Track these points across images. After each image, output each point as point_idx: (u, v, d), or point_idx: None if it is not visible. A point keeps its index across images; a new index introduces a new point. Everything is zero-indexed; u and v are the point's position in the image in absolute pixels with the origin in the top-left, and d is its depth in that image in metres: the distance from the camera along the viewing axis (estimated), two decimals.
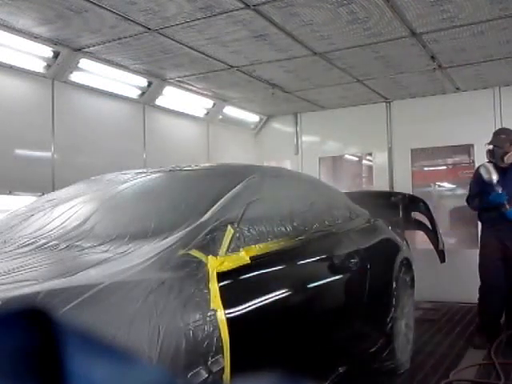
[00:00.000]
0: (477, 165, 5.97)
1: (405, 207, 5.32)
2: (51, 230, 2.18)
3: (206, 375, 1.52)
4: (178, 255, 1.76)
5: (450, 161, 6.90)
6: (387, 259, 3.46)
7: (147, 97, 5.43)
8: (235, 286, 1.87)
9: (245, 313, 1.82)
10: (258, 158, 7.17)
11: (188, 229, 1.93)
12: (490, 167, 4.35)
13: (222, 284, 1.74)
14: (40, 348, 0.32)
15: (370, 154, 6.99)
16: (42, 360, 0.32)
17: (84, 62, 4.57)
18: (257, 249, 2.08)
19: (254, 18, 3.74)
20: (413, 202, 5.39)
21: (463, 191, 6.73)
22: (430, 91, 6.11)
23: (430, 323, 5.02)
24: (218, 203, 2.14)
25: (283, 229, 2.39)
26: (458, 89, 6.00)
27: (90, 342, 0.35)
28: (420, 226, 5.40)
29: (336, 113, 6.86)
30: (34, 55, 4.25)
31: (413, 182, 6.42)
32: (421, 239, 5.85)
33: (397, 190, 6.17)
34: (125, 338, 1.31)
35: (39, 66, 4.36)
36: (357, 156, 7.79)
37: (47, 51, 4.29)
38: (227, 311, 1.68)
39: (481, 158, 5.96)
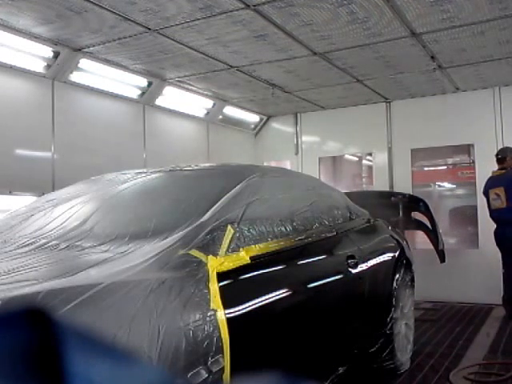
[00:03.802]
0: (477, 165, 6.00)
1: (405, 207, 5.33)
2: (51, 230, 2.18)
3: (206, 375, 1.52)
4: (178, 255, 1.76)
5: (450, 161, 6.90)
6: (387, 259, 3.46)
7: (147, 97, 5.43)
8: (235, 286, 1.87)
9: (245, 313, 1.81)
10: (257, 157, 7.17)
11: (188, 229, 1.93)
12: None
13: (221, 284, 1.74)
14: (40, 348, 0.32)
15: (370, 154, 6.99)
16: (42, 360, 0.32)
17: (84, 62, 4.57)
18: (257, 249, 2.08)
19: (253, 18, 3.75)
20: (413, 202, 5.39)
21: (463, 191, 6.75)
22: (430, 91, 6.11)
23: (430, 323, 5.02)
24: (218, 203, 2.14)
25: (283, 229, 2.39)
26: (457, 89, 6.00)
27: (90, 342, 0.35)
28: (420, 225, 5.41)
29: (336, 113, 6.86)
30: (33, 55, 4.25)
31: (413, 182, 6.41)
32: (421, 239, 5.85)
33: (397, 190, 6.17)
34: (125, 338, 1.31)
35: (39, 66, 4.36)
36: (357, 156, 7.79)
37: (47, 51, 4.29)
38: (227, 311, 1.68)
39: (481, 157, 5.98)
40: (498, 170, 5.30)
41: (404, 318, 3.64)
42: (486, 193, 5.32)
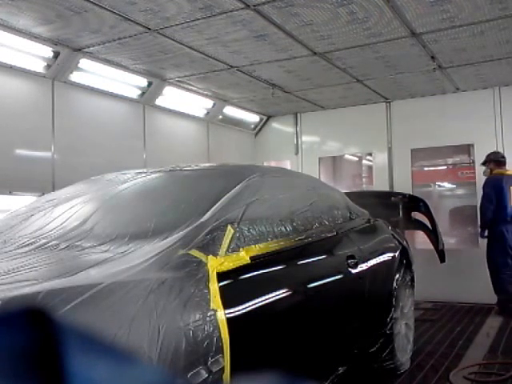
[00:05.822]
0: (477, 165, 6.00)
1: (405, 207, 5.33)
2: (51, 230, 2.18)
3: (206, 375, 1.52)
4: (178, 255, 1.76)
5: (450, 161, 6.90)
6: (387, 259, 3.46)
7: (147, 97, 5.43)
8: (235, 286, 1.87)
9: (245, 313, 1.81)
10: (258, 157, 7.17)
11: (188, 229, 1.93)
12: None
13: (222, 284, 1.74)
14: (40, 348, 0.32)
15: (370, 154, 6.99)
16: (42, 360, 0.32)
17: (84, 62, 4.57)
18: (257, 249, 2.08)
19: (253, 18, 3.75)
20: (413, 202, 5.39)
21: (463, 191, 6.75)
22: (430, 91, 6.11)
23: (430, 323, 5.02)
24: (218, 203, 2.14)
25: (283, 229, 2.39)
26: (457, 89, 6.00)
27: (90, 342, 0.35)
28: (420, 225, 5.41)
29: (336, 113, 6.86)
30: (33, 55, 4.25)
31: (413, 182, 6.41)
32: (421, 239, 5.85)
33: (397, 190, 6.17)
34: (125, 338, 1.31)
35: (39, 66, 4.36)
36: (357, 156, 7.79)
37: (47, 51, 4.29)
38: (227, 311, 1.68)
39: (481, 157, 5.98)
40: (504, 169, 5.40)
41: (404, 318, 3.64)
42: (502, 189, 5.34)
